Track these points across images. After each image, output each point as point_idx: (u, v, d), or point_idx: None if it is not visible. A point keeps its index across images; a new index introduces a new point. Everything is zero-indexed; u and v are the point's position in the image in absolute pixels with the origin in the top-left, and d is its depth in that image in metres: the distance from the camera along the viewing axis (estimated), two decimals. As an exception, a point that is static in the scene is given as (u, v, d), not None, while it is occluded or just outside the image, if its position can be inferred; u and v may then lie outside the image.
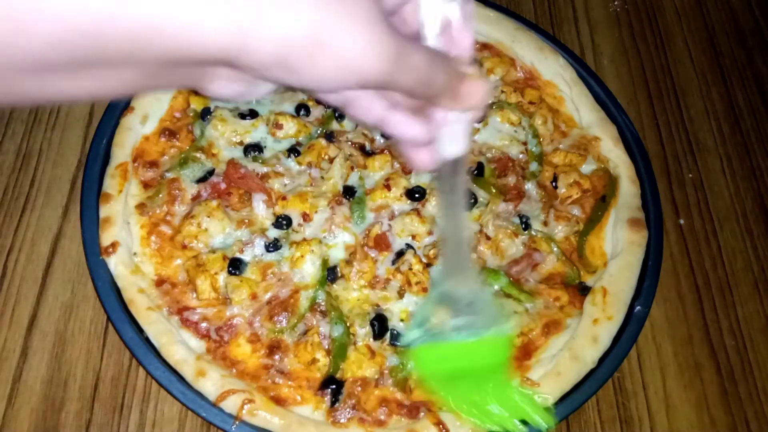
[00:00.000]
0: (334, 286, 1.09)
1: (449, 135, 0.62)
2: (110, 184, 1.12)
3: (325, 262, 1.09)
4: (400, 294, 1.09)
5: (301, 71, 0.47)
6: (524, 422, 0.84)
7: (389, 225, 1.15)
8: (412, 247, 1.13)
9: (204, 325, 1.04)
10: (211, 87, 0.53)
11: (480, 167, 1.21)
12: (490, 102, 1.29)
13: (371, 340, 1.04)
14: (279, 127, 1.20)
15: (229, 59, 0.45)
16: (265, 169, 1.17)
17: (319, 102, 1.26)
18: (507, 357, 0.81)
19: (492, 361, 0.78)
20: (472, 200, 1.17)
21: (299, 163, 1.19)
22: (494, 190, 1.17)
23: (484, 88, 0.60)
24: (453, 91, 0.58)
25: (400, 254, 1.11)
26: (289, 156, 1.19)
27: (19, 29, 0.38)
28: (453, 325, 0.75)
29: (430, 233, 1.15)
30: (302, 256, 1.08)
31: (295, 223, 1.13)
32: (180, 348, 1.00)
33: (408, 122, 0.61)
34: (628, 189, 1.22)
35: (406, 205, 1.17)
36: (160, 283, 1.07)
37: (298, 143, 1.21)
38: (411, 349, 0.77)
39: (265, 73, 0.48)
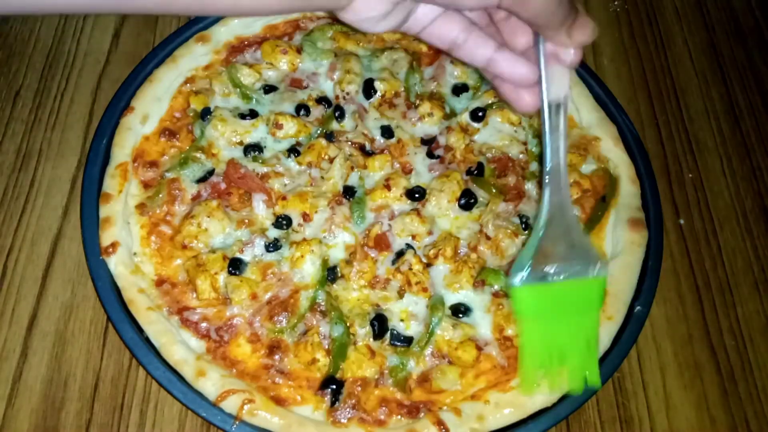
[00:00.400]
0: (334, 286, 1.09)
1: (552, 76, 0.67)
2: (110, 184, 1.12)
3: (325, 262, 1.09)
4: (400, 294, 1.09)
5: None
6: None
7: (389, 225, 1.15)
8: (412, 247, 1.13)
9: (204, 325, 1.04)
10: (356, 5, 0.58)
11: (480, 167, 1.21)
12: (495, 101, 1.29)
13: (371, 340, 1.04)
14: (279, 127, 1.20)
15: None
16: (265, 169, 1.17)
17: (319, 102, 1.26)
18: (601, 299, 0.86)
19: (586, 303, 0.83)
20: (472, 200, 1.17)
21: (299, 163, 1.19)
22: (494, 190, 1.17)
23: (593, 26, 0.67)
24: (568, 25, 0.64)
25: (400, 254, 1.11)
26: (289, 156, 1.19)
27: None
28: (553, 270, 0.81)
29: (430, 233, 1.15)
30: (302, 256, 1.08)
31: (295, 223, 1.13)
32: (180, 348, 1.00)
33: (515, 61, 0.67)
34: (628, 189, 1.22)
35: (406, 205, 1.17)
36: (160, 283, 1.07)
37: (298, 143, 1.21)
38: (513, 288, 0.82)
39: None
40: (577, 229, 0.84)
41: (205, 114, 1.22)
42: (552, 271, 0.81)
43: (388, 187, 1.17)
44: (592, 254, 0.83)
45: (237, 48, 1.31)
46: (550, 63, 0.67)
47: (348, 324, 1.04)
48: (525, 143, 1.26)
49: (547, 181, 0.79)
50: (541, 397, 1.01)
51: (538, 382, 0.91)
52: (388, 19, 0.61)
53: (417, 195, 1.17)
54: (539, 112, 0.73)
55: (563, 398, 1.02)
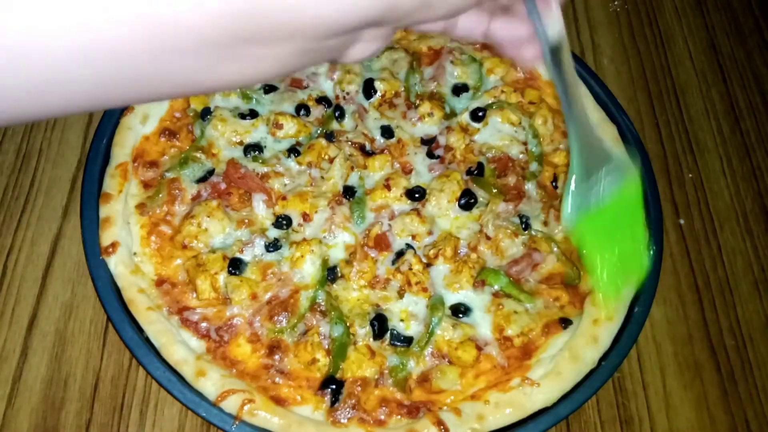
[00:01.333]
0: (334, 286, 1.09)
1: (545, 22, 0.68)
2: (110, 184, 1.12)
3: (325, 262, 1.09)
4: (400, 294, 1.09)
5: (439, 5, 0.55)
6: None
7: (389, 225, 1.15)
8: (412, 247, 1.13)
9: (204, 325, 1.04)
10: (351, 53, 0.59)
11: (480, 167, 1.21)
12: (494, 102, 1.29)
13: (371, 340, 1.04)
14: (279, 127, 1.20)
15: (380, 18, 0.50)
16: (265, 169, 1.17)
17: (319, 102, 1.26)
18: (641, 194, 0.84)
19: (634, 204, 0.82)
20: (472, 200, 1.17)
21: (299, 163, 1.19)
22: (494, 190, 1.17)
23: None
24: None
25: (400, 254, 1.11)
26: (289, 156, 1.19)
27: (185, 6, 0.42)
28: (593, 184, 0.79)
29: (430, 233, 1.15)
30: (302, 256, 1.08)
31: (295, 223, 1.13)
32: (180, 348, 1.00)
33: (509, 24, 0.70)
34: (628, 189, 1.22)
35: (406, 205, 1.17)
36: (160, 283, 1.07)
37: (298, 143, 1.21)
38: (573, 226, 0.81)
39: (407, 20, 0.55)
40: (603, 150, 0.80)
41: (205, 114, 1.22)
42: (592, 192, 0.80)
43: (388, 187, 1.17)
44: (622, 159, 0.81)
45: (237, 48, 1.31)
46: (541, 10, 0.68)
47: (348, 324, 1.04)
48: (525, 143, 1.26)
49: (571, 121, 0.76)
50: (541, 397, 1.01)
51: (616, 297, 1.04)
52: (380, 49, 0.65)
53: (417, 195, 1.17)
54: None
55: (563, 398, 1.02)
